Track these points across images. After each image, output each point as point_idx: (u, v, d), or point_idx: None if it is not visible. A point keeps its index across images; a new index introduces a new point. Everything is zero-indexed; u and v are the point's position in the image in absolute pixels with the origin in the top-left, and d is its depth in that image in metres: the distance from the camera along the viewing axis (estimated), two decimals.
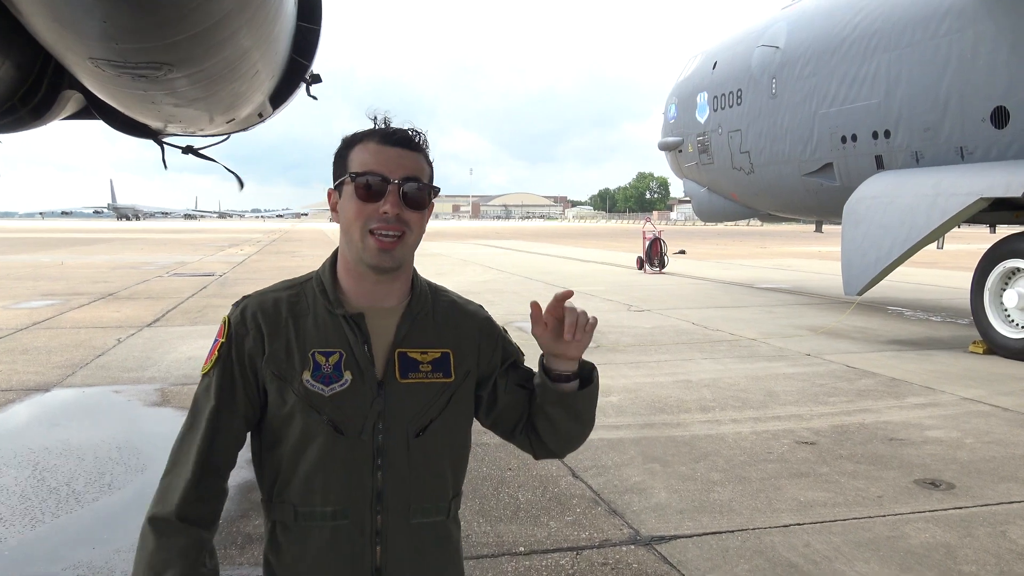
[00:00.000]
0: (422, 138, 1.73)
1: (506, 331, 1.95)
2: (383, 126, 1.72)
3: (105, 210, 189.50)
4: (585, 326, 1.71)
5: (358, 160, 1.67)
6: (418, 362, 1.72)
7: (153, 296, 16.48)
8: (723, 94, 16.35)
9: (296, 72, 5.38)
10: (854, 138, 12.70)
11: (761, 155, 15.21)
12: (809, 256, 31.95)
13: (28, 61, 4.98)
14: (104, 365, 9.07)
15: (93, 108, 5.30)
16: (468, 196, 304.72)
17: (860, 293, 11.04)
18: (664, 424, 6.60)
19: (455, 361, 1.76)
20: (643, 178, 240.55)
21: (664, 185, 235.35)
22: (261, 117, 5.46)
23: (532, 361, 1.90)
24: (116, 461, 5.66)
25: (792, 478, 5.24)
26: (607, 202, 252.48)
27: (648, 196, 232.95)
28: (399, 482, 1.68)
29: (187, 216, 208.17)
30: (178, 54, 3.25)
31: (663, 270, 23.34)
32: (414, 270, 1.82)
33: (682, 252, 31.22)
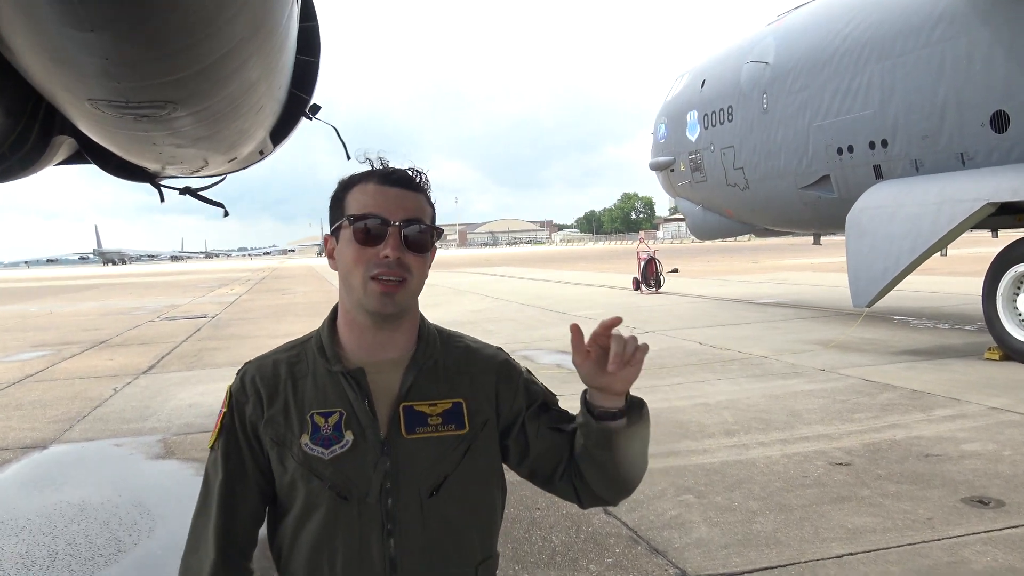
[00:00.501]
0: (423, 178, 1.65)
1: (530, 373, 1.83)
2: (381, 167, 1.63)
3: (91, 256, 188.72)
4: (633, 357, 1.55)
5: (356, 203, 1.58)
6: (426, 415, 1.60)
7: (146, 341, 16.17)
8: (713, 111, 16.30)
9: (296, 106, 5.20)
10: (851, 149, 12.61)
11: (756, 170, 15.12)
12: (802, 269, 31.91)
13: (18, 106, 4.77)
14: (102, 417, 8.77)
15: (86, 153, 5.09)
16: (454, 224, 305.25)
17: (870, 305, 10.88)
18: (690, 451, 6.37)
19: (469, 411, 1.65)
20: (628, 199, 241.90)
21: (649, 205, 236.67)
22: (262, 154, 5.26)
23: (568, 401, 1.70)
24: (123, 521, 5.38)
25: (834, 503, 5.02)
26: (593, 224, 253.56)
27: (634, 216, 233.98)
28: (414, 548, 1.55)
29: (174, 258, 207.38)
30: (184, 91, 3.06)
31: (659, 290, 23.18)
32: (421, 317, 1.71)
33: (675, 271, 31.07)
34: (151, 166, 4.61)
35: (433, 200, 1.68)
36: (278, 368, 1.64)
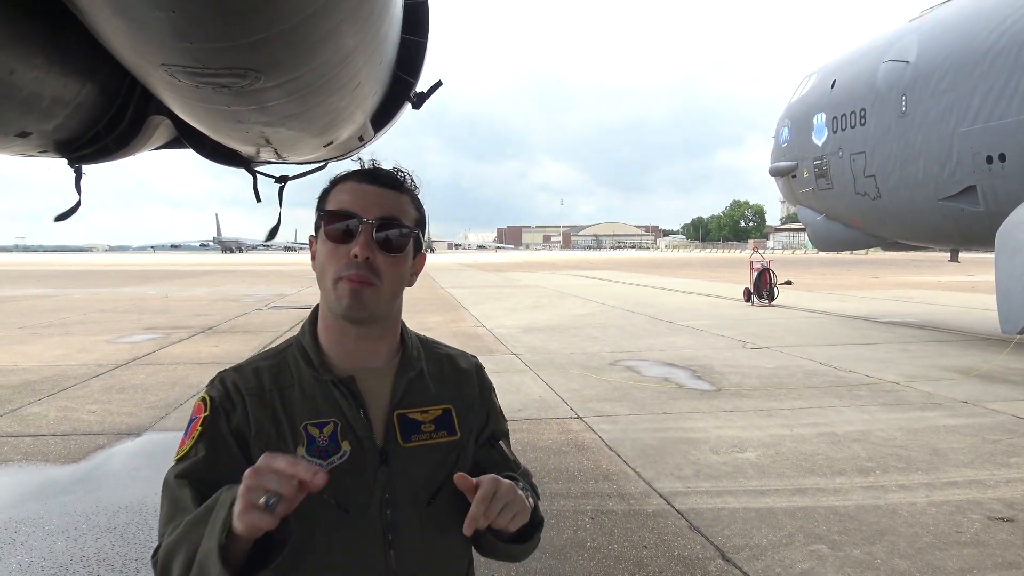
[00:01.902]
0: (409, 179, 1.59)
1: (495, 394, 1.76)
2: (370, 166, 1.57)
3: (211, 243, 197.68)
4: (492, 515, 1.36)
5: (335, 200, 1.52)
6: (420, 422, 1.56)
7: (251, 330, 16.35)
8: (844, 114, 15.21)
9: (400, 90, 4.78)
10: (1002, 158, 11.41)
11: (889, 179, 13.98)
12: (930, 287, 29.85)
13: (112, 85, 4.55)
14: None
15: (182, 135, 4.82)
16: (559, 226, 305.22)
17: (1023, 331, 9.73)
18: (818, 490, 5.64)
19: (458, 417, 1.61)
20: (738, 206, 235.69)
21: (760, 213, 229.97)
22: (362, 141, 4.87)
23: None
24: None
25: (1000, 570, 4.23)
26: (700, 231, 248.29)
27: (743, 224, 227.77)
28: (413, 558, 1.50)
29: (287, 248, 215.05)
30: (266, 57, 2.64)
31: (772, 302, 22.01)
32: (403, 324, 1.66)
33: (788, 283, 29.59)
34: (243, 148, 4.29)
35: (421, 204, 1.61)
36: (260, 376, 1.54)
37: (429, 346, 1.71)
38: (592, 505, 5.34)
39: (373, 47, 3.36)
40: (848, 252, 19.10)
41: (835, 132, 15.55)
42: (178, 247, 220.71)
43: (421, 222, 1.60)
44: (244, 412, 1.50)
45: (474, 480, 1.36)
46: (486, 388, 1.73)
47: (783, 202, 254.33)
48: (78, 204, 5.09)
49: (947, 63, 12.51)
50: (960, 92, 12.19)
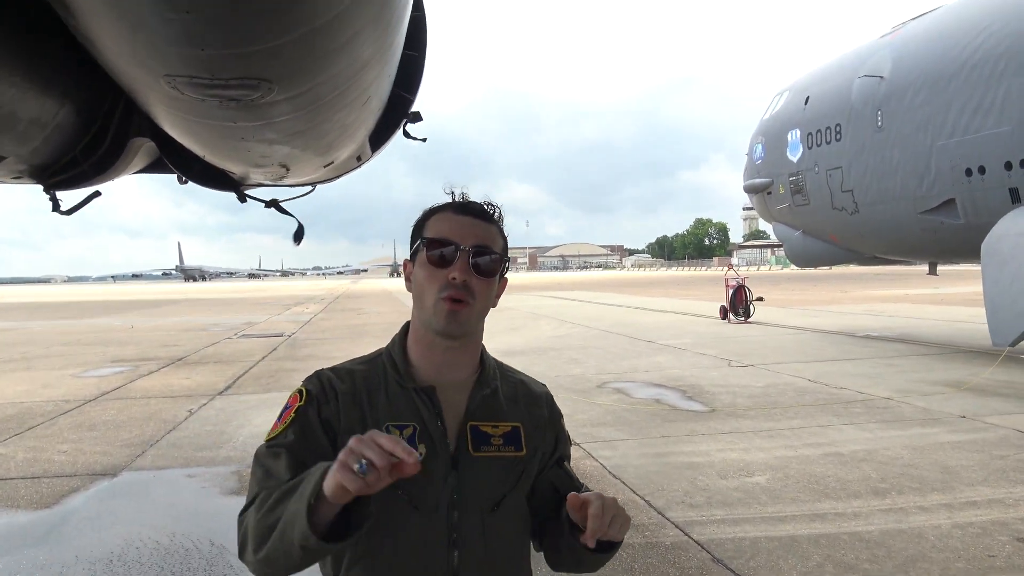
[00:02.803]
0: (497, 212, 1.74)
1: (563, 420, 1.89)
2: (460, 198, 1.73)
3: (173, 272, 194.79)
4: (610, 521, 1.45)
5: (433, 229, 1.68)
6: (490, 435, 1.68)
7: (223, 360, 15.87)
8: (819, 130, 15.27)
9: (398, 108, 4.54)
10: (982, 170, 11.48)
11: (867, 193, 14.02)
12: (898, 300, 30.17)
13: (93, 104, 4.25)
14: (175, 443, 8.27)
15: (167, 158, 4.52)
16: (524, 248, 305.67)
17: (1014, 344, 9.70)
18: (837, 515, 5.43)
19: (526, 435, 1.72)
20: (701, 224, 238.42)
21: (723, 230, 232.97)
22: (359, 161, 4.61)
23: None
24: (197, 564, 4.75)
25: None
26: (665, 249, 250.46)
27: (707, 242, 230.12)
28: (475, 561, 1.61)
29: (251, 275, 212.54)
30: (283, 65, 2.39)
31: (748, 319, 22.02)
32: (483, 347, 1.79)
33: (760, 299, 29.76)
34: (237, 169, 4.00)
35: (506, 232, 1.75)
36: (354, 379, 1.69)
37: (506, 370, 1.85)
38: None
39: (386, 59, 3.13)
40: (813, 268, 19.16)
41: (810, 148, 15.60)
42: (140, 276, 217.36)
43: (506, 249, 1.74)
44: (336, 407, 1.64)
45: (581, 498, 1.47)
46: (556, 414, 1.86)
47: (745, 220, 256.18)
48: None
49: (922, 77, 12.59)
50: (936, 106, 12.27)
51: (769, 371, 12.25)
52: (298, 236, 5.46)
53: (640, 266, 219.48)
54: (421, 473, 1.47)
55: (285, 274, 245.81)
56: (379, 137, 4.64)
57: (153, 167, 5.42)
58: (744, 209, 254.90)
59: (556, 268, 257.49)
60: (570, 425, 6.63)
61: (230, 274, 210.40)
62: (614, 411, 9.34)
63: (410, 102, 4.60)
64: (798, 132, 16.04)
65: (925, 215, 12.72)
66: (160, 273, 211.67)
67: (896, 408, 9.06)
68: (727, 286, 22.79)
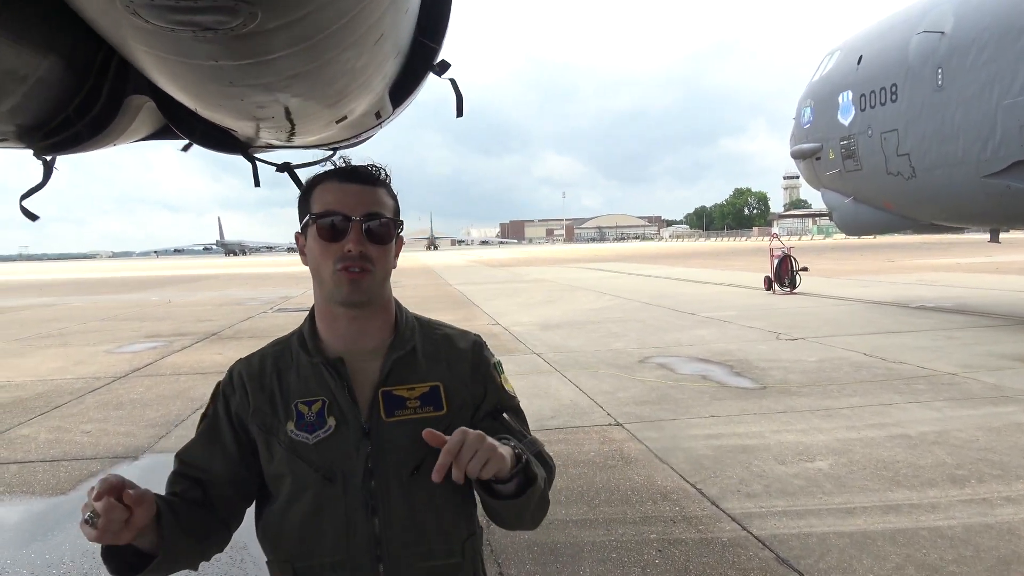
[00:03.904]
0: (383, 173, 1.71)
1: (499, 369, 1.83)
2: (343, 165, 1.70)
3: (214, 246, 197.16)
4: (461, 452, 1.42)
5: (320, 201, 1.66)
6: (404, 399, 1.66)
7: (257, 335, 15.65)
8: (873, 91, 14.43)
9: (422, 58, 4.06)
10: None
11: (925, 157, 13.21)
12: (950, 269, 29.05)
13: (81, 58, 3.83)
14: None
15: (168, 118, 4.10)
16: (561, 219, 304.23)
17: None
18: (912, 506, 4.91)
19: (447, 393, 1.70)
20: (740, 194, 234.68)
21: (763, 200, 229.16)
22: (379, 118, 4.14)
23: None
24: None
25: None
26: (703, 220, 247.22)
27: (747, 212, 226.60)
28: (399, 526, 1.61)
29: (290, 250, 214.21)
30: None
31: (794, 290, 21.25)
32: (398, 305, 1.79)
33: (805, 269, 28.93)
34: (236, 125, 3.55)
35: (395, 193, 1.74)
36: (264, 363, 1.74)
37: (429, 327, 1.82)
38: (656, 533, 4.62)
39: None
40: (864, 236, 18.34)
41: (863, 110, 14.78)
42: (181, 251, 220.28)
43: (397, 209, 1.73)
44: (244, 395, 1.70)
45: (438, 435, 1.45)
46: (483, 364, 1.79)
47: (786, 189, 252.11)
48: (41, 185, 4.39)
49: (988, 31, 11.73)
50: (1004, 62, 11.43)
51: (821, 344, 11.62)
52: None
53: (678, 237, 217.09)
54: (333, 445, 1.61)
55: None
56: (400, 91, 4.16)
57: (160, 134, 5.03)
58: (785, 178, 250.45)
59: (593, 240, 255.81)
60: (612, 404, 6.16)
61: (270, 248, 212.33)
62: (658, 388, 8.84)
63: (435, 51, 4.11)
64: (850, 94, 15.21)
65: (989, 179, 11.92)
66: (201, 248, 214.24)
67: (963, 384, 8.44)
68: (772, 256, 22.01)
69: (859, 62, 15.02)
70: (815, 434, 6.66)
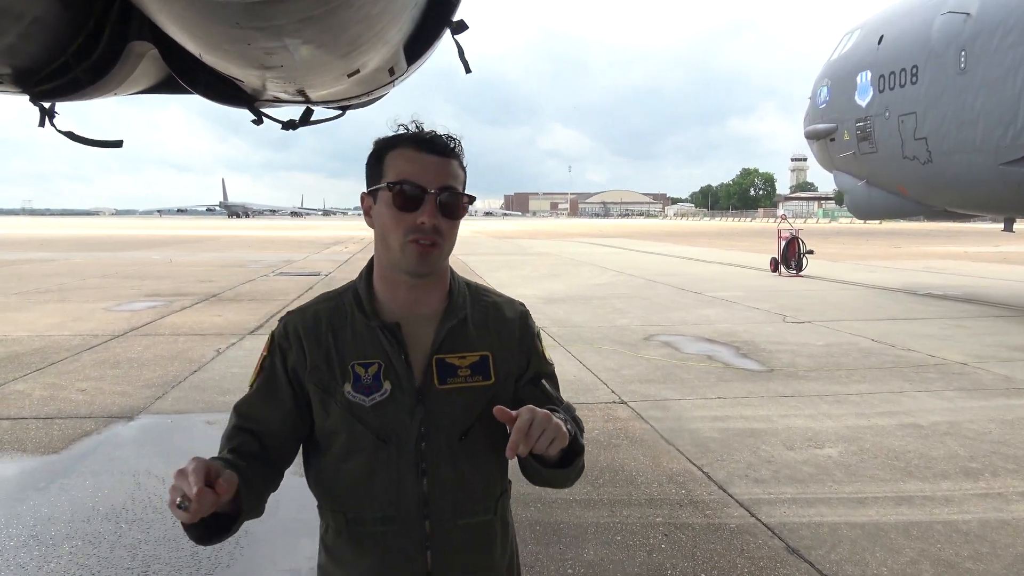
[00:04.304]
0: (457, 144, 1.70)
1: (540, 338, 1.85)
2: (417, 130, 1.67)
3: (217, 208, 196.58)
4: (534, 440, 1.47)
5: (394, 167, 1.64)
6: (456, 367, 1.69)
7: (258, 298, 15.52)
8: (892, 72, 14.15)
9: (438, 16, 3.86)
10: None
11: (944, 142, 12.97)
12: (956, 257, 28.83)
13: (83, 4, 3.64)
14: (199, 385, 7.85)
15: (171, 67, 3.91)
16: (566, 193, 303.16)
17: None
18: (925, 498, 4.77)
19: (495, 363, 1.73)
20: (747, 174, 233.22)
21: (770, 181, 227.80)
22: (393, 75, 3.94)
23: None
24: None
25: None
26: (709, 199, 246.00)
27: (753, 193, 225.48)
28: (445, 487, 1.66)
29: (294, 214, 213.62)
30: None
31: (800, 273, 21.07)
32: (452, 272, 1.79)
33: (810, 252, 28.72)
34: (243, 75, 3.35)
35: (465, 165, 1.72)
36: (319, 319, 1.71)
37: (477, 294, 1.81)
38: (662, 517, 4.49)
39: None
40: (876, 220, 18.09)
41: (881, 91, 14.50)
42: (185, 211, 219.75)
43: (465, 183, 1.71)
44: (300, 351, 1.68)
45: (513, 412, 1.48)
46: (528, 334, 1.81)
47: (793, 171, 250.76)
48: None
49: (1015, 14, 11.44)
50: None
51: (828, 329, 11.47)
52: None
53: (683, 215, 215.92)
54: (388, 408, 1.64)
55: (327, 213, 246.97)
56: (416, 48, 3.97)
57: (164, 87, 4.83)
58: (792, 160, 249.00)
59: (597, 215, 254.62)
60: (617, 381, 6.00)
61: (273, 211, 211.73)
62: (663, 367, 8.71)
63: (452, 7, 3.91)
64: (869, 74, 14.92)
65: (1009, 166, 11.69)
66: (205, 209, 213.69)
67: (974, 375, 8.29)
68: (779, 237, 21.81)
69: (879, 42, 14.71)
70: (824, 420, 6.53)
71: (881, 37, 14.71)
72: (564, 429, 1.52)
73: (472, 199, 1.70)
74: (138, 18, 3.78)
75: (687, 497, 4.81)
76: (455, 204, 1.64)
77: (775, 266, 21.76)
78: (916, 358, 9.23)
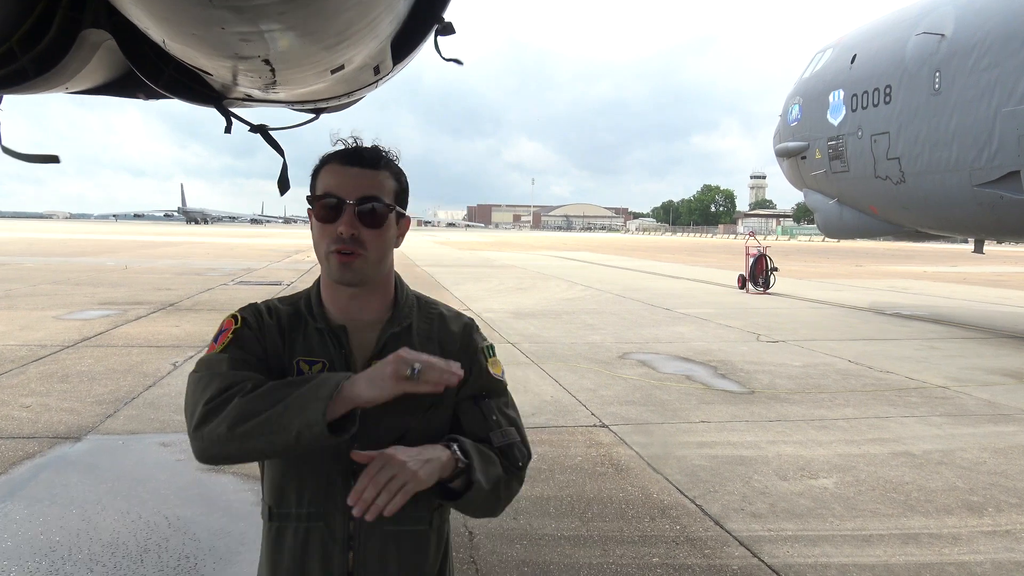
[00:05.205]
0: (386, 155, 1.73)
1: (488, 353, 1.88)
2: (352, 145, 1.73)
3: (175, 213, 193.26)
4: (378, 477, 1.56)
5: (322, 182, 1.71)
6: None
7: (216, 308, 14.98)
8: (866, 91, 14.13)
9: (426, 15, 3.53)
10: None
11: (916, 162, 12.95)
12: (918, 277, 29.16)
13: None
14: (153, 402, 7.37)
15: (130, 59, 3.51)
16: (530, 206, 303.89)
17: None
18: (931, 536, 4.53)
19: None
20: (709, 190, 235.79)
21: (730, 198, 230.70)
22: (377, 74, 3.60)
23: None
24: (164, 557, 3.85)
25: None
26: (670, 215, 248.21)
27: (713, 209, 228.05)
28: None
29: (254, 221, 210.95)
30: None
31: (767, 291, 21.04)
32: (400, 283, 1.86)
33: (775, 269, 28.85)
34: (214, 67, 2.97)
35: (401, 175, 1.77)
36: (279, 313, 1.80)
37: (426, 305, 1.90)
38: (659, 556, 4.17)
39: None
40: (846, 239, 18.15)
41: (854, 110, 14.48)
42: (141, 216, 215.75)
43: (401, 192, 1.76)
44: (260, 334, 1.75)
45: (373, 454, 1.57)
46: (471, 347, 1.85)
47: (752, 188, 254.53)
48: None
49: (991, 36, 11.45)
50: (1005, 68, 11.16)
51: (803, 348, 11.32)
52: (283, 182, 4.32)
53: (645, 230, 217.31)
54: None
55: (288, 221, 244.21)
56: (403, 46, 3.62)
57: (121, 85, 4.41)
58: (752, 177, 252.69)
59: (560, 228, 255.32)
60: (596, 402, 5.63)
61: (232, 218, 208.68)
62: (642, 387, 8.43)
63: (441, 6, 3.58)
64: (841, 93, 14.90)
65: (982, 188, 11.68)
66: (162, 214, 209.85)
67: (956, 399, 8.14)
68: (748, 254, 21.78)
69: (853, 61, 14.71)
70: (814, 447, 6.28)
71: (854, 56, 14.70)
72: (418, 476, 1.55)
73: (392, 207, 1.71)
74: (93, 2, 3.39)
75: (682, 534, 4.50)
76: (376, 214, 1.67)
77: (743, 283, 21.71)
78: (896, 380, 9.07)
